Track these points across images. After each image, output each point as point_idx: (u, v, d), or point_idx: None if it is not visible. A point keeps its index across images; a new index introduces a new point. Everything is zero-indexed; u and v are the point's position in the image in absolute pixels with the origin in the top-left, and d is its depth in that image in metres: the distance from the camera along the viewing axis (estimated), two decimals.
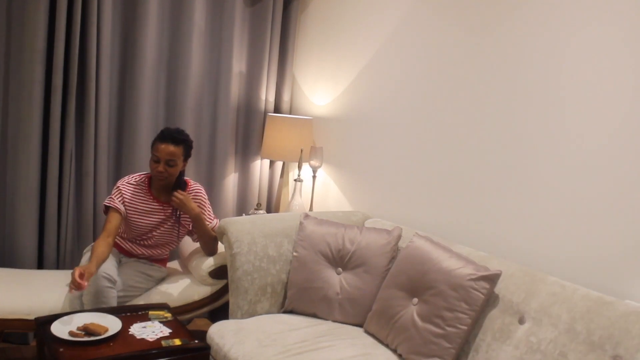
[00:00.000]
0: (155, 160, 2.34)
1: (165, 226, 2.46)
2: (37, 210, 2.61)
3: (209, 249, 2.53)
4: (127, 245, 2.48)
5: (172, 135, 2.34)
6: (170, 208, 2.45)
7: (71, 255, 2.75)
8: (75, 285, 1.96)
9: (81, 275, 1.97)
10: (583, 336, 1.61)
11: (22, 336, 2.66)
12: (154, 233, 2.45)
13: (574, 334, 1.63)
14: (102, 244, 2.23)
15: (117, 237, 2.47)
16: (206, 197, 2.54)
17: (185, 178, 2.49)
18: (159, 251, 2.52)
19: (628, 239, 1.79)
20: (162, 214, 2.44)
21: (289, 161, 3.13)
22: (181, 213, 2.46)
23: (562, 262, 1.98)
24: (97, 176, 2.76)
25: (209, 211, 2.53)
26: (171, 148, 2.32)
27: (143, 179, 2.46)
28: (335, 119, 3.09)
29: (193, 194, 2.48)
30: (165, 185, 2.43)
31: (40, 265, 2.69)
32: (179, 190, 2.39)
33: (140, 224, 2.42)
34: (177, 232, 2.48)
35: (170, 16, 2.94)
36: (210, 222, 2.51)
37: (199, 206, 2.47)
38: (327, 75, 3.17)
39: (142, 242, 2.46)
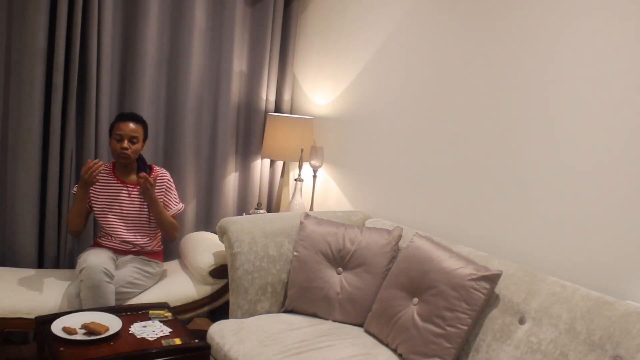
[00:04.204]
0: (118, 139, 2.43)
1: (133, 207, 2.48)
2: (37, 209, 2.60)
3: (168, 234, 2.55)
4: (114, 242, 2.48)
5: (132, 115, 2.49)
6: (136, 189, 2.50)
7: (71, 254, 2.75)
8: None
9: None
10: (583, 336, 1.61)
11: (22, 335, 2.66)
12: (122, 214, 2.47)
13: (574, 334, 1.63)
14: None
15: (103, 239, 2.51)
16: (172, 181, 2.62)
17: (150, 163, 2.61)
18: (142, 239, 2.50)
19: (628, 239, 1.79)
20: (126, 193, 2.49)
21: (290, 161, 3.13)
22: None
23: (562, 262, 1.98)
24: None
25: (174, 195, 2.61)
26: (133, 126, 2.44)
27: (108, 165, 2.56)
28: (336, 119, 3.09)
29: (158, 176, 2.55)
30: (128, 166, 2.51)
31: (41, 264, 2.69)
32: (145, 173, 2.44)
33: (99, 203, 2.46)
34: (147, 214, 2.50)
35: (170, 16, 2.94)
36: (176, 205, 2.59)
37: (165, 188, 2.56)
38: (327, 74, 3.17)
39: (119, 230, 2.46)
